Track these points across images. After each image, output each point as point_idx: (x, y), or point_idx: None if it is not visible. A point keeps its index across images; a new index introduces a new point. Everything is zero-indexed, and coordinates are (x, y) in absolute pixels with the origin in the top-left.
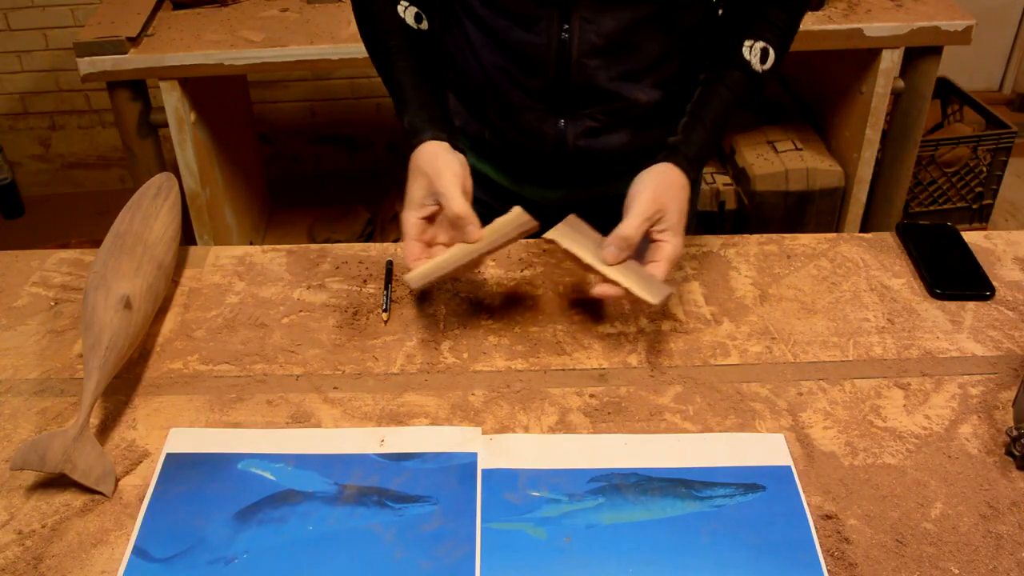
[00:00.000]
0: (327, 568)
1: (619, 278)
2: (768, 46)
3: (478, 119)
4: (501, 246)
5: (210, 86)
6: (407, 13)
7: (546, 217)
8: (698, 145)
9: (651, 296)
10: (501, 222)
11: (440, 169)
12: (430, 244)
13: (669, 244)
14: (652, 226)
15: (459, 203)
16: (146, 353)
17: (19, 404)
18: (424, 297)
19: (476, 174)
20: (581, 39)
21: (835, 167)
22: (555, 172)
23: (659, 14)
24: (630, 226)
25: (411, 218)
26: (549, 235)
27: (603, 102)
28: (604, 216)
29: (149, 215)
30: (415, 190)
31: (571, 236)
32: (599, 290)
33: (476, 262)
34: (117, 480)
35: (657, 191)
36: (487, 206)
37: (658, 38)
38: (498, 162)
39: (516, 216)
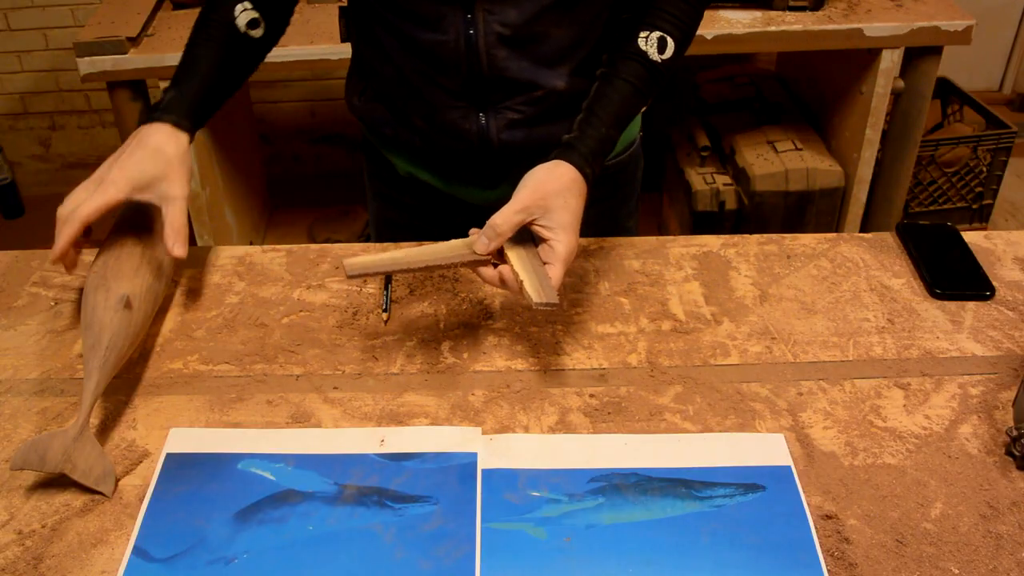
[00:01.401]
0: (327, 568)
1: (517, 267)
2: (665, 36)
3: (406, 127)
4: (446, 266)
5: None
6: (242, 15)
7: (486, 220)
8: (594, 139)
9: (536, 295)
10: (458, 243)
11: (175, 169)
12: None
13: (560, 244)
14: (533, 222)
15: (183, 220)
16: (146, 353)
17: (19, 404)
18: (424, 297)
19: (414, 181)
20: (486, 31)
21: (835, 167)
22: (486, 171)
23: (561, 2)
24: (501, 215)
25: (109, 198)
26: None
27: (520, 92)
28: None
29: (149, 215)
30: (140, 167)
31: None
32: (489, 274)
33: (417, 270)
34: (117, 480)
35: (538, 186)
36: (422, 213)
37: (565, 25)
38: (433, 167)
39: (472, 241)
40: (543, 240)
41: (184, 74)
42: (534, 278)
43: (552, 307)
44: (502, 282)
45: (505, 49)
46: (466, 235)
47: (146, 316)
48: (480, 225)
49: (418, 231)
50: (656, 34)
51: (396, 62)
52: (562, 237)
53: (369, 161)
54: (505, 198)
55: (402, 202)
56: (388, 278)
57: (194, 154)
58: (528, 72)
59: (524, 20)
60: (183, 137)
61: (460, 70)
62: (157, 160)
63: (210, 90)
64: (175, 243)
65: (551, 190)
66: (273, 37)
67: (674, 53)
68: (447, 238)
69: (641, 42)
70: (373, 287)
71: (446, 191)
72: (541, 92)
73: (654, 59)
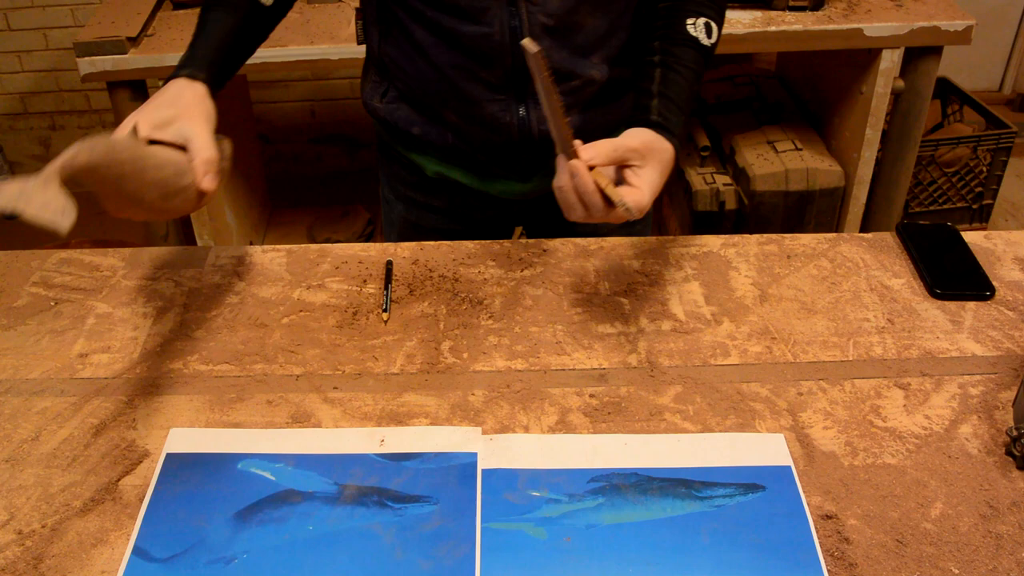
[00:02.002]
0: (327, 568)
1: (598, 177)
2: (710, 21)
3: (438, 124)
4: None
5: None
6: None
7: (517, 214)
8: (679, 125)
9: (616, 197)
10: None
11: (193, 110)
12: None
13: (637, 193)
14: (627, 164)
15: (210, 149)
16: (146, 353)
17: (19, 404)
18: (424, 297)
19: (443, 181)
20: (531, 22)
21: (835, 167)
22: (523, 163)
23: None
24: (604, 142)
25: (131, 122)
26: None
27: (561, 81)
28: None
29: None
30: (156, 111)
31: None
32: (564, 180)
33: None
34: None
35: (648, 142)
36: (452, 213)
37: (599, 15)
38: (465, 164)
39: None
40: (625, 184)
41: (197, 36)
42: (610, 187)
43: (638, 214)
44: (575, 191)
45: (548, 39)
46: (498, 232)
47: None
48: (512, 221)
49: (446, 232)
50: (702, 20)
51: (432, 58)
52: (647, 190)
53: (389, 165)
54: (538, 189)
55: (430, 204)
56: (388, 278)
57: None
58: (567, 62)
59: (565, 10)
60: (199, 86)
61: (503, 62)
62: (174, 104)
63: (223, 51)
64: (205, 174)
65: (657, 149)
66: (283, 7)
67: (718, 38)
68: (478, 237)
69: (690, 28)
70: (373, 287)
71: (478, 188)
72: (578, 82)
73: (705, 44)
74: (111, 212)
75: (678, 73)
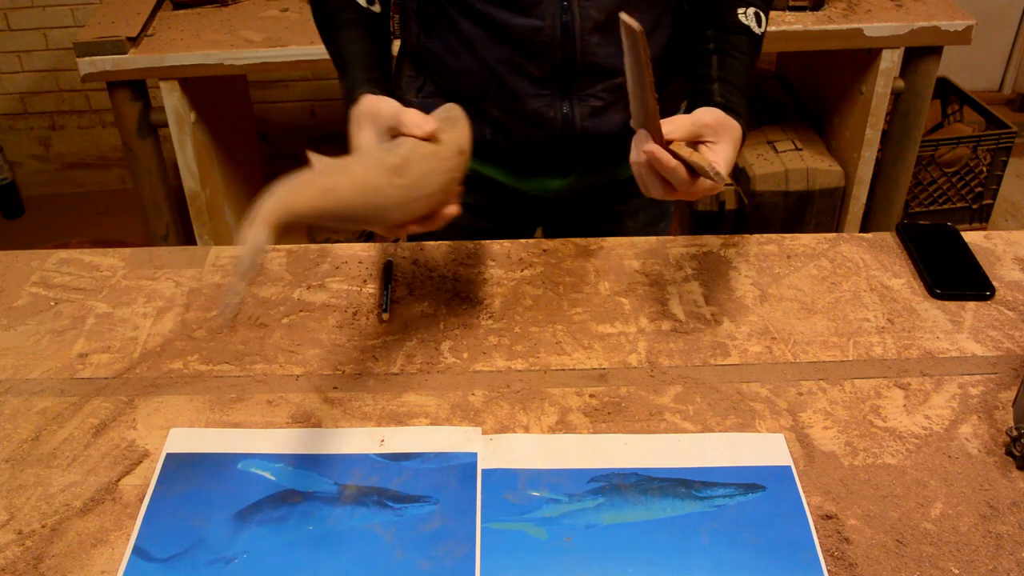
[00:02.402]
0: (327, 568)
1: (685, 154)
2: (759, 11)
3: (477, 119)
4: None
5: (210, 86)
6: None
7: (546, 212)
8: (743, 107)
9: (711, 169)
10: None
11: (379, 107)
12: None
13: (719, 165)
14: (703, 140)
15: (406, 111)
16: (146, 353)
17: (19, 404)
18: (424, 297)
19: (477, 178)
20: (583, 16)
21: (835, 167)
22: (562, 159)
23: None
24: (679, 117)
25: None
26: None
27: (607, 78)
28: (605, 203)
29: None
30: (361, 137)
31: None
32: (651, 149)
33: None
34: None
35: (722, 120)
36: (485, 211)
37: (643, 9)
38: (501, 160)
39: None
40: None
41: (348, 60)
42: (700, 162)
43: (713, 176)
44: (659, 165)
45: (598, 35)
46: (525, 231)
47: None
48: (539, 220)
49: (476, 231)
50: (752, 9)
51: (478, 51)
52: (723, 163)
53: None
54: (574, 186)
55: (462, 202)
56: (388, 278)
57: (194, 154)
58: (614, 58)
59: (615, 5)
60: (379, 94)
61: (553, 57)
62: (373, 114)
63: (374, 58)
64: (419, 125)
65: (729, 127)
66: (385, 15)
67: (766, 27)
68: (507, 236)
69: (742, 16)
70: (373, 287)
71: (512, 185)
72: (623, 79)
73: (756, 32)
74: (391, 233)
75: (735, 59)
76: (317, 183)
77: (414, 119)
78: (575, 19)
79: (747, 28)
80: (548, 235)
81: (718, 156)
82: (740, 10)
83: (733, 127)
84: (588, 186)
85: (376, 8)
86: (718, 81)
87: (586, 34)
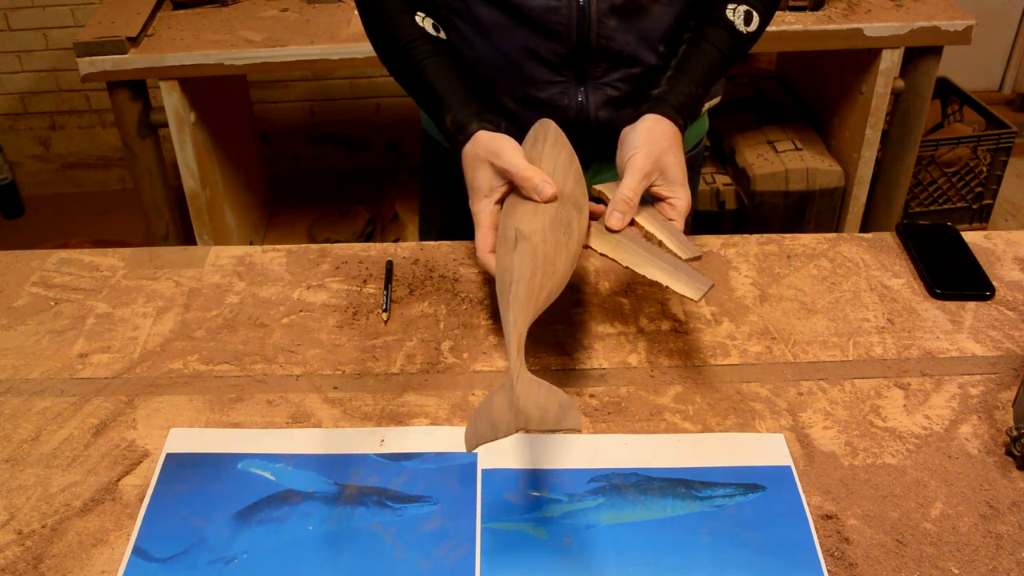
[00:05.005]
0: (327, 568)
1: (657, 275)
2: (752, 9)
3: (492, 110)
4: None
5: (210, 86)
6: (425, 23)
7: None
8: (684, 95)
9: (682, 252)
10: (574, 247)
11: (499, 149)
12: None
13: (680, 200)
14: (654, 185)
15: (528, 168)
16: (146, 353)
17: (19, 404)
18: (424, 297)
19: None
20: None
21: (835, 167)
22: (578, 150)
23: None
24: (628, 187)
25: (486, 207)
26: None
27: (623, 66)
28: None
29: (533, 161)
30: (480, 178)
31: (602, 236)
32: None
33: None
34: (564, 412)
35: (651, 147)
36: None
37: (666, 2)
38: None
39: (596, 226)
40: (662, 199)
41: (444, 95)
42: (672, 237)
43: (698, 259)
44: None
45: (615, 19)
46: None
47: (557, 244)
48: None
49: None
50: (743, 7)
51: (494, 39)
52: (680, 193)
53: (433, 162)
54: (591, 181)
55: None
56: (388, 278)
57: (194, 154)
58: (631, 47)
59: None
60: (492, 130)
61: (569, 39)
62: (492, 154)
63: (468, 90)
64: (540, 191)
65: (662, 149)
66: (448, 40)
67: (758, 27)
68: None
69: (729, 12)
70: (373, 287)
71: None
72: (639, 69)
73: (740, 29)
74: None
75: (701, 50)
76: (536, 284)
77: (535, 183)
78: (591, 1)
79: (730, 24)
80: None
81: (672, 184)
82: (731, 6)
83: (663, 137)
84: (606, 181)
85: (442, 35)
86: (672, 69)
87: (602, 16)
